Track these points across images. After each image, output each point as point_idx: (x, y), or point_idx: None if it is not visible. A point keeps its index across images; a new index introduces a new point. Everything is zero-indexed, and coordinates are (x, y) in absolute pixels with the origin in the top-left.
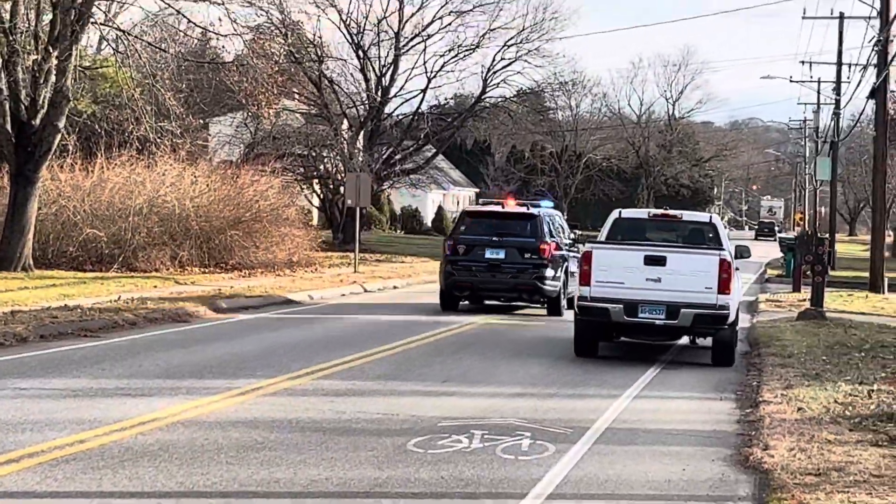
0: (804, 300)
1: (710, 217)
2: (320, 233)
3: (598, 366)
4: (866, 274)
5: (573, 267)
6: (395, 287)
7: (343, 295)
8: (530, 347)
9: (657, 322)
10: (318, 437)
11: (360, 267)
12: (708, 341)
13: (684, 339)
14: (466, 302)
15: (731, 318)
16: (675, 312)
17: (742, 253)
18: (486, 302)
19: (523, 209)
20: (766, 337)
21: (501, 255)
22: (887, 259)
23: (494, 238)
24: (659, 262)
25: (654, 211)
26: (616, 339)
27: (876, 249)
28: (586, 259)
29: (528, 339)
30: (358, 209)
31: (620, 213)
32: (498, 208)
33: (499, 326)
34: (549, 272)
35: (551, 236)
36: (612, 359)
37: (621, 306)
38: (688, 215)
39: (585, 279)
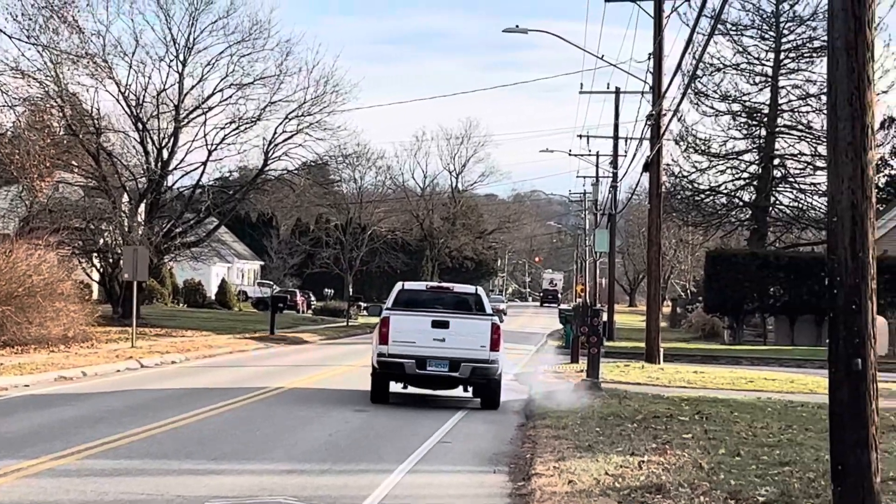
0: (582, 371)
1: (476, 289)
2: (99, 307)
3: (375, 439)
4: (644, 344)
5: None
6: (173, 362)
7: (119, 371)
8: (311, 419)
9: (442, 374)
10: None
11: (139, 342)
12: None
13: (460, 414)
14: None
15: (499, 371)
16: (457, 366)
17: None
18: None
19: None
20: (541, 409)
21: None
22: (665, 329)
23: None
24: (444, 325)
25: (430, 284)
26: (405, 389)
27: (651, 320)
28: (385, 323)
29: (311, 409)
30: (136, 283)
31: (403, 285)
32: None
33: (282, 396)
34: None
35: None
36: (387, 433)
37: (414, 361)
38: (458, 287)
39: (384, 339)
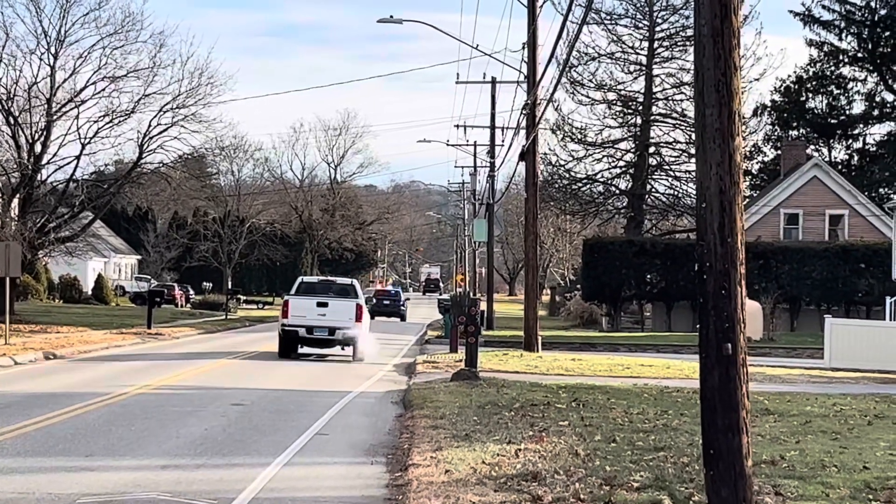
0: (460, 360)
1: (352, 281)
2: None
3: (252, 432)
4: (522, 333)
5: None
6: (48, 358)
7: None
8: (187, 414)
9: (324, 337)
10: None
11: (13, 339)
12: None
13: (339, 406)
14: None
15: (363, 335)
16: (333, 332)
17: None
18: None
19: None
20: (419, 398)
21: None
22: (544, 317)
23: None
24: (325, 305)
25: (321, 277)
26: (301, 348)
27: (529, 308)
28: (286, 304)
29: (187, 404)
30: (9, 279)
31: (303, 279)
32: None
33: (159, 392)
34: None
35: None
36: (264, 426)
37: (305, 328)
38: (340, 280)
39: (285, 315)
